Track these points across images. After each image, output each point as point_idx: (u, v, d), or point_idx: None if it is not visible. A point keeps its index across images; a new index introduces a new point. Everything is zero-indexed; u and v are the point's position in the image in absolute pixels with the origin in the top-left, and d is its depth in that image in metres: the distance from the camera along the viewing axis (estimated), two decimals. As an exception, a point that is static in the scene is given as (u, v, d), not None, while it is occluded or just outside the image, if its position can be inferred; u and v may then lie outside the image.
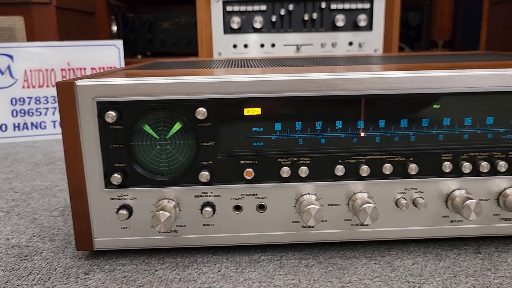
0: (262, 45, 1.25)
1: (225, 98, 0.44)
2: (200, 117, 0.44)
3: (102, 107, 0.44)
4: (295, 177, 0.46)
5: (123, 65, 1.15)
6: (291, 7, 1.22)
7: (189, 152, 0.46)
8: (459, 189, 0.48)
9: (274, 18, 1.23)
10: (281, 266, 0.47)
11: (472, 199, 0.45)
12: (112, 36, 2.08)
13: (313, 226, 0.48)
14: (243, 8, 1.22)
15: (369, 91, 0.45)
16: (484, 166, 0.47)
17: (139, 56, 2.12)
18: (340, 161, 0.46)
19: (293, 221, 0.48)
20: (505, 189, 0.48)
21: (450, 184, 0.48)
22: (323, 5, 1.22)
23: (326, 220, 0.48)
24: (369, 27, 1.25)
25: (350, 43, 1.26)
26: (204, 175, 0.45)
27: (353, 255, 0.49)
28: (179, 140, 0.45)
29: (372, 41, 1.26)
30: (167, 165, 0.46)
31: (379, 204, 0.48)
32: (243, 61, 0.77)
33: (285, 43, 1.25)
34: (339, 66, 0.57)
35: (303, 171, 0.46)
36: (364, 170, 0.46)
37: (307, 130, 0.47)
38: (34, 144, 1.09)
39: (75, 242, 0.48)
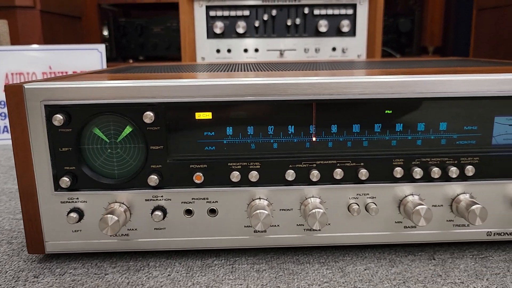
0: (245, 50, 1.25)
1: (173, 102, 0.44)
2: (147, 121, 0.44)
3: (51, 110, 0.44)
4: (245, 182, 0.46)
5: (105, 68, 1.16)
6: (274, 12, 1.22)
7: (139, 156, 0.46)
8: (412, 194, 0.47)
9: (257, 24, 1.23)
10: (233, 271, 0.47)
11: (423, 205, 0.45)
12: (103, 41, 2.08)
13: (264, 231, 0.48)
14: (226, 13, 1.22)
15: (319, 95, 0.45)
16: (436, 171, 0.46)
17: (131, 60, 2.13)
18: (291, 166, 0.46)
19: (245, 226, 0.48)
20: (458, 195, 0.48)
21: (403, 189, 0.47)
22: (306, 10, 1.22)
23: (278, 225, 0.48)
24: (353, 32, 1.26)
25: (334, 49, 1.26)
26: (153, 179, 0.45)
27: (307, 260, 0.49)
28: (129, 143, 0.45)
29: (356, 46, 1.26)
30: (117, 168, 0.46)
31: (332, 210, 0.48)
32: (228, 65, 0.77)
33: (269, 48, 1.25)
34: (292, 72, 0.57)
35: (254, 175, 0.46)
36: (315, 175, 0.46)
37: (259, 135, 0.47)
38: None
39: (26, 245, 0.48)
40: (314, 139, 0.47)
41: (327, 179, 0.47)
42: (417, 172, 0.46)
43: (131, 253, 0.50)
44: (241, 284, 0.44)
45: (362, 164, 0.47)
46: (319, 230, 0.47)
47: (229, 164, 0.46)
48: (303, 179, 0.46)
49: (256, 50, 1.25)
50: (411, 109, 0.46)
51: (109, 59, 2.11)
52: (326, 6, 1.23)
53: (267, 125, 0.46)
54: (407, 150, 0.47)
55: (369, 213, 0.47)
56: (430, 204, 0.48)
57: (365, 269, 0.47)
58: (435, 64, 0.71)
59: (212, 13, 1.22)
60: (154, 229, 0.48)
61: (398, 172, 0.46)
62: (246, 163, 0.46)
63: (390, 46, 2.09)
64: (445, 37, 2.12)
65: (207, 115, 0.46)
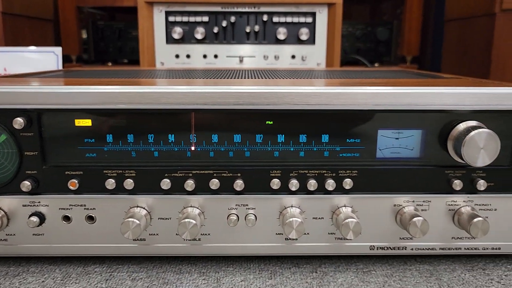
0: (205, 56, 1.25)
1: (48, 108, 0.44)
2: (17, 126, 0.44)
3: None
4: (121, 190, 0.46)
5: (61, 72, 1.16)
6: (233, 19, 1.23)
7: (16, 162, 0.46)
8: (292, 206, 0.47)
9: (216, 30, 1.23)
10: (109, 279, 0.47)
11: (296, 217, 0.45)
12: (82, 44, 2.09)
13: (143, 240, 0.48)
14: (185, 19, 1.23)
15: (196, 105, 0.45)
16: (312, 184, 0.46)
17: (109, 64, 2.13)
18: (166, 174, 0.46)
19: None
20: (338, 207, 0.47)
21: (286, 201, 0.47)
22: (265, 18, 1.23)
23: (157, 234, 0.48)
24: (312, 41, 1.26)
25: (293, 56, 1.26)
26: (26, 185, 0.45)
27: (188, 270, 0.48)
28: (6, 149, 0.45)
29: (315, 54, 1.26)
30: (-5, 173, 0.46)
31: (212, 219, 0.47)
32: (175, 72, 0.77)
33: (228, 55, 1.25)
34: (175, 80, 0.57)
35: (129, 183, 0.46)
36: (189, 184, 0.46)
37: (140, 143, 0.47)
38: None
39: None
40: (193, 148, 0.47)
41: (204, 188, 0.46)
42: (293, 184, 0.46)
43: (16, 258, 0.50)
44: (110, 293, 0.44)
45: (239, 174, 0.46)
46: (191, 240, 0.47)
47: (104, 171, 0.46)
48: (178, 188, 0.46)
49: (216, 56, 1.25)
50: (292, 121, 0.46)
51: (87, 62, 2.12)
52: (285, 14, 1.23)
53: (147, 133, 0.46)
54: (286, 162, 0.47)
55: (246, 224, 0.47)
56: (311, 216, 0.48)
57: (242, 280, 0.46)
58: (372, 75, 0.70)
59: (171, 19, 1.23)
60: (33, 234, 0.47)
61: (275, 183, 0.46)
62: (121, 171, 0.46)
63: (368, 54, 2.08)
64: (422, 47, 2.11)
65: (87, 122, 0.46)
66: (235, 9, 1.22)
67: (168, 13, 1.22)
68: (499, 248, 0.49)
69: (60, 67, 1.15)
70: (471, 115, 0.46)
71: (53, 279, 0.46)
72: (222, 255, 0.49)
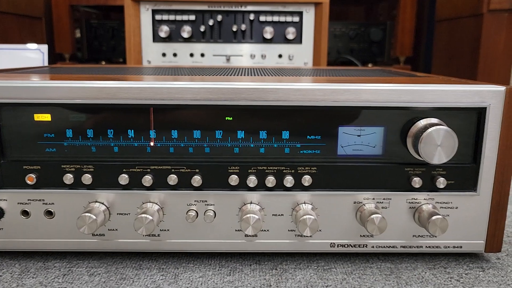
0: (191, 55, 1.25)
1: (6, 103, 0.44)
2: (-27, 120, 0.44)
3: None
4: (79, 184, 0.46)
5: (47, 69, 1.16)
6: (219, 18, 1.23)
7: (-25, 155, 0.46)
8: (251, 203, 0.47)
9: (202, 28, 1.23)
10: (66, 274, 0.46)
11: (254, 214, 0.45)
12: (76, 42, 2.09)
13: (102, 235, 0.48)
14: (172, 17, 1.23)
15: (155, 100, 0.45)
16: (270, 180, 0.46)
17: (103, 62, 2.13)
18: (125, 170, 0.46)
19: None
20: (298, 204, 0.47)
21: (245, 197, 0.47)
22: (252, 17, 1.23)
23: (116, 229, 0.48)
24: (299, 40, 1.26)
25: (280, 56, 1.26)
26: (-18, 179, 0.45)
27: (148, 266, 0.48)
28: (-35, 143, 0.45)
29: (302, 54, 1.26)
30: (-46, 167, 0.46)
31: (172, 215, 0.47)
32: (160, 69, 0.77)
33: (215, 53, 1.25)
34: (131, 76, 0.57)
35: (87, 178, 0.46)
36: (147, 180, 0.46)
37: (100, 138, 0.46)
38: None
39: None
40: (152, 144, 0.46)
41: (162, 184, 0.46)
42: (251, 180, 0.46)
43: (-22, 253, 0.50)
44: (65, 287, 0.44)
45: (197, 170, 0.46)
46: (147, 235, 0.47)
47: (62, 166, 0.46)
48: (136, 183, 0.46)
49: (202, 55, 1.25)
50: (252, 117, 0.46)
51: (81, 61, 2.12)
52: (272, 13, 1.23)
53: (107, 128, 0.46)
54: (245, 158, 0.46)
55: (205, 221, 0.47)
56: (271, 213, 0.47)
57: (200, 276, 0.46)
58: (350, 73, 0.70)
59: (158, 17, 1.23)
60: (-8, 229, 0.47)
61: (233, 179, 0.46)
62: (80, 166, 0.46)
63: (362, 55, 2.08)
64: (416, 47, 2.11)
65: (46, 117, 0.46)
66: (222, 8, 1.22)
67: (155, 12, 1.22)
68: (461, 247, 0.49)
69: (46, 64, 1.16)
70: (430, 112, 0.46)
71: (11, 273, 0.46)
72: (181, 251, 0.49)
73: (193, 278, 0.46)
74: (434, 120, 0.45)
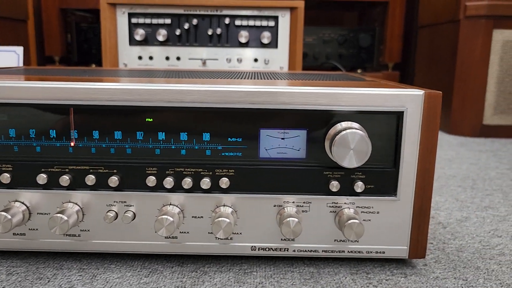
0: (167, 58, 1.26)
1: None
2: None
3: None
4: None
5: (22, 71, 1.17)
6: (195, 21, 1.23)
7: None
8: (170, 204, 0.47)
9: (178, 32, 1.24)
10: (-14, 272, 0.47)
11: (167, 215, 0.45)
12: (66, 45, 2.11)
13: (22, 234, 0.48)
14: (148, 20, 1.23)
15: (75, 101, 0.45)
16: (187, 182, 0.46)
17: (93, 65, 2.15)
18: (43, 169, 0.46)
19: (4, 228, 0.48)
20: (217, 206, 0.47)
21: (166, 199, 0.47)
22: (227, 21, 1.23)
23: (37, 229, 0.48)
24: (275, 44, 1.26)
25: (256, 60, 1.26)
26: None
27: (69, 266, 0.48)
28: None
29: (278, 58, 1.26)
30: None
31: (93, 216, 0.47)
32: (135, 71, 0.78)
33: (190, 57, 1.26)
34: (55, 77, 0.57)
35: (5, 178, 0.46)
36: (64, 180, 0.46)
37: (21, 138, 0.47)
38: None
39: None
40: (72, 144, 0.47)
41: (81, 185, 0.46)
42: (167, 182, 0.46)
43: None
44: (-21, 286, 0.44)
45: (114, 171, 0.46)
46: (61, 234, 0.47)
47: (-19, 165, 0.46)
48: (55, 183, 0.46)
49: (178, 59, 1.26)
50: (172, 118, 0.46)
51: (71, 64, 2.13)
52: (248, 17, 1.24)
53: (29, 128, 0.46)
54: (163, 160, 0.46)
55: (123, 221, 0.47)
56: (190, 215, 0.47)
57: (117, 277, 0.46)
58: (311, 77, 0.70)
59: (134, 20, 1.24)
60: None
61: (151, 181, 0.46)
62: (-2, 165, 0.46)
63: (351, 61, 2.08)
64: (405, 53, 2.10)
65: (-32, 116, 0.46)
66: (198, 12, 1.23)
67: (131, 15, 1.23)
68: (384, 252, 0.48)
69: (21, 66, 1.16)
70: (351, 116, 0.45)
71: None
72: (101, 251, 0.49)
73: (110, 279, 0.46)
74: (350, 124, 0.45)
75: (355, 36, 2.07)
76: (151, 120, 0.46)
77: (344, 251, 0.48)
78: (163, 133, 0.47)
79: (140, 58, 1.26)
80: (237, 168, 0.46)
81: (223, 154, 0.47)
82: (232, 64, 1.26)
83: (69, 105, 0.45)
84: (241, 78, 0.60)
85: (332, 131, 0.45)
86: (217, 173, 0.46)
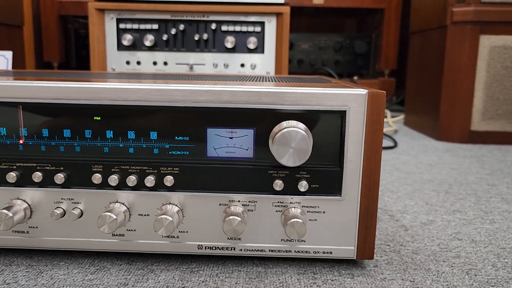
0: (154, 63, 1.27)
1: None
2: None
3: None
4: None
5: (11, 75, 1.19)
6: (182, 27, 1.24)
7: None
8: (116, 202, 0.47)
9: (165, 37, 1.25)
10: None
11: (110, 212, 0.45)
12: (64, 51, 2.14)
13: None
14: (136, 26, 1.25)
15: (23, 99, 0.46)
16: (131, 180, 0.46)
17: (92, 71, 2.18)
18: (-9, 166, 0.47)
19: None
20: (163, 204, 0.47)
21: (113, 196, 0.47)
22: (214, 26, 1.24)
23: (-13, 225, 0.48)
24: (261, 50, 1.26)
25: (242, 65, 1.27)
26: None
27: (19, 263, 0.49)
28: None
29: (264, 63, 1.27)
30: None
31: (41, 212, 0.48)
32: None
33: (178, 62, 1.27)
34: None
35: (-46, 174, 0.47)
36: (11, 176, 0.46)
37: (-27, 135, 0.48)
38: None
39: None
40: (21, 141, 0.47)
41: (29, 182, 0.47)
42: (112, 179, 0.46)
43: None
44: None
45: (61, 168, 0.47)
46: (5, 230, 0.48)
47: None
48: (2, 180, 0.47)
49: (165, 63, 1.27)
50: (120, 117, 0.46)
51: (68, 69, 2.16)
52: (234, 23, 1.24)
53: (-21, 126, 0.47)
54: (110, 158, 0.47)
55: (69, 218, 0.47)
56: (137, 212, 0.48)
57: (63, 274, 0.47)
58: (290, 80, 0.70)
59: (122, 26, 1.25)
60: None
61: (96, 178, 0.46)
62: None
63: (347, 67, 2.08)
64: (400, 60, 2.10)
65: None
66: (185, 18, 1.24)
67: (119, 20, 1.25)
68: (331, 252, 0.48)
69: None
70: (295, 115, 0.45)
71: None
72: (48, 248, 0.49)
73: (55, 276, 0.46)
74: (293, 123, 0.45)
75: (351, 42, 2.07)
76: (99, 118, 0.47)
77: (291, 251, 0.48)
78: (111, 131, 0.47)
79: (128, 63, 1.27)
80: (182, 166, 0.47)
81: (170, 152, 0.47)
82: (218, 69, 1.27)
83: (17, 103, 0.46)
84: (212, 80, 0.60)
85: (275, 129, 0.45)
86: (162, 171, 0.47)
